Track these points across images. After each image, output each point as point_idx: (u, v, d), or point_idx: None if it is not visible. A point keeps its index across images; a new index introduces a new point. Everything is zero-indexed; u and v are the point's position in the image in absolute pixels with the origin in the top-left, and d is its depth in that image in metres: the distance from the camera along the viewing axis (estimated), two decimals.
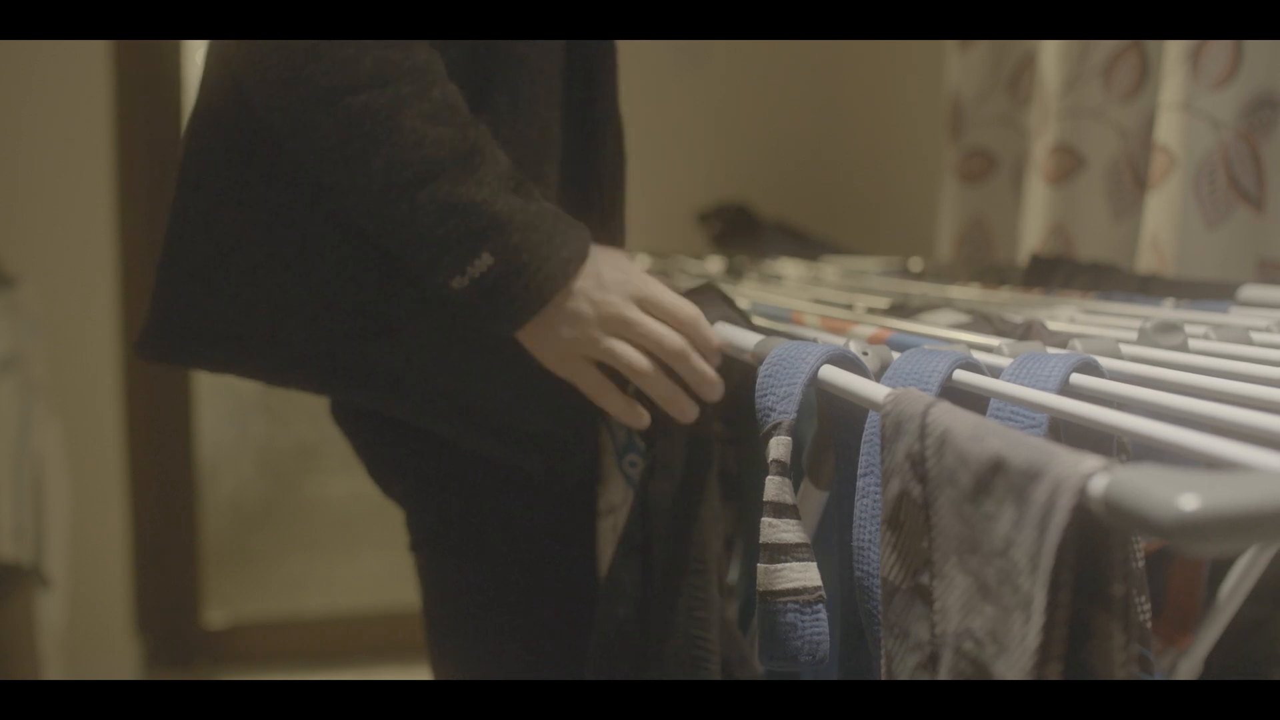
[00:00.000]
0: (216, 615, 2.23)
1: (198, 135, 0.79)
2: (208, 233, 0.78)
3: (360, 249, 0.76)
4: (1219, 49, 0.99)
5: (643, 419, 0.75)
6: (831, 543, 0.69)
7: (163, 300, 0.79)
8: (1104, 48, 1.22)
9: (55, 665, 1.76)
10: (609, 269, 0.73)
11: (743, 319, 0.77)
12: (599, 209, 0.85)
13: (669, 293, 0.73)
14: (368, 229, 0.74)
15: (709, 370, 0.72)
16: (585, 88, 0.83)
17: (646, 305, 0.73)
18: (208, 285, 0.78)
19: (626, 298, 0.72)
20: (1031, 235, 1.33)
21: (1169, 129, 1.05)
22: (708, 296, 0.78)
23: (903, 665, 0.47)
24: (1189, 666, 0.68)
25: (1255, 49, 0.97)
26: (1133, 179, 1.21)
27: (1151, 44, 1.17)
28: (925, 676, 0.46)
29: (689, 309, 0.73)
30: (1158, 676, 0.68)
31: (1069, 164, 1.28)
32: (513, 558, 0.86)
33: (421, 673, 0.93)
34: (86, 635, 1.99)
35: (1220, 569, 0.66)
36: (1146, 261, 1.09)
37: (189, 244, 0.79)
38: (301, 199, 0.76)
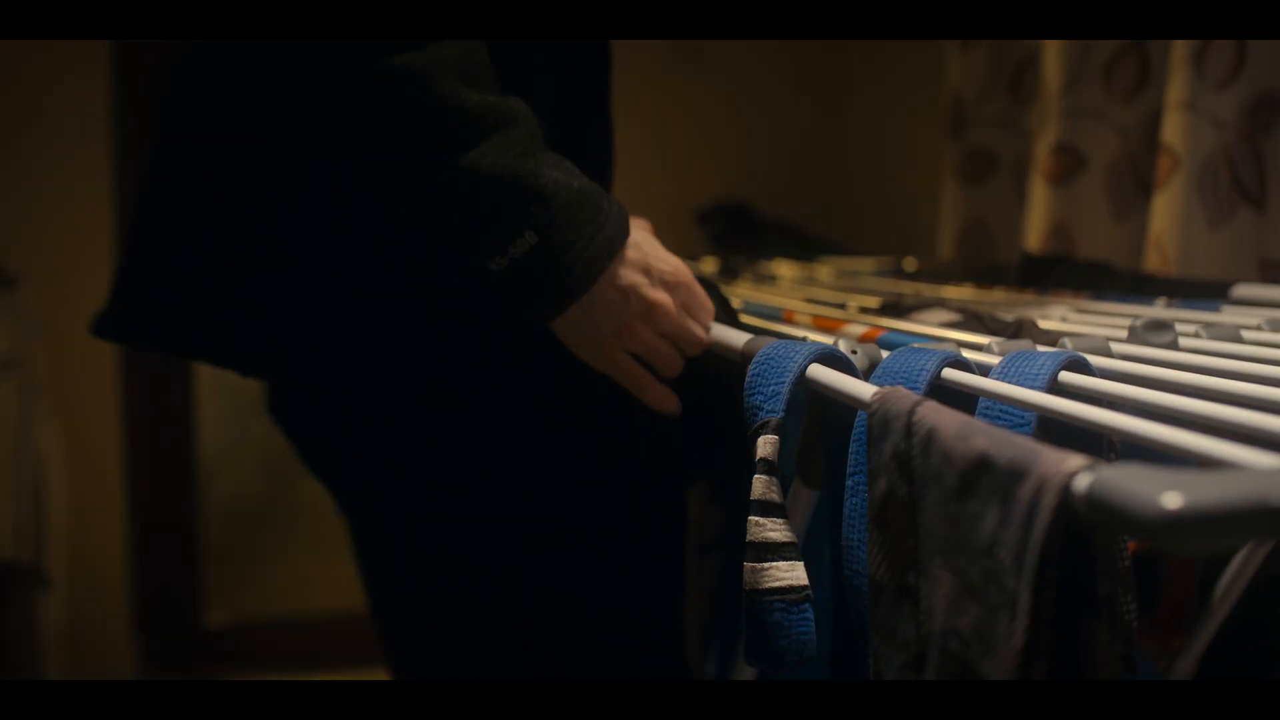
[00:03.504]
0: (216, 615, 2.23)
1: (171, 116, 0.77)
2: (179, 214, 0.76)
3: (341, 235, 0.74)
4: (1222, 49, 0.99)
5: (677, 406, 0.74)
6: (823, 542, 0.68)
7: (128, 278, 0.78)
8: (1104, 48, 1.22)
9: (55, 665, 1.76)
10: (646, 249, 0.71)
11: (730, 317, 0.77)
12: None
13: (699, 286, 0.73)
14: (401, 208, 0.69)
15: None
16: (577, 89, 0.82)
17: (688, 292, 0.72)
18: (176, 266, 0.76)
19: (661, 286, 0.70)
20: (1033, 235, 1.33)
21: (1173, 129, 1.04)
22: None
23: (889, 665, 0.47)
24: (1183, 667, 0.67)
25: (1258, 49, 0.97)
26: (1133, 179, 1.20)
27: (1152, 44, 1.17)
28: (911, 676, 0.46)
29: (710, 308, 0.73)
30: (1155, 677, 0.68)
31: (1070, 164, 1.27)
32: (471, 563, 0.84)
33: None
34: (86, 635, 1.99)
35: (1214, 568, 0.66)
36: (1151, 262, 1.08)
37: (159, 224, 0.77)
38: (280, 183, 0.74)
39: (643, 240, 0.71)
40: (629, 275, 0.69)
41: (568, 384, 0.76)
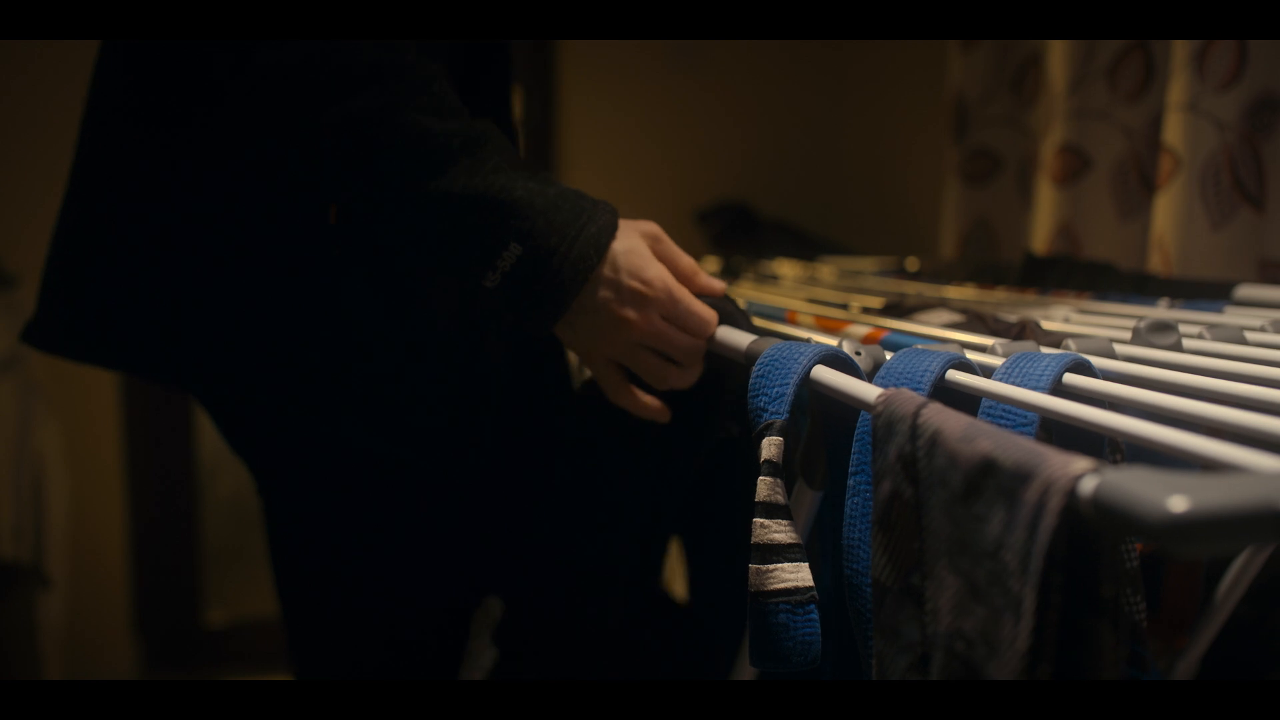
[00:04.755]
0: (216, 615, 2.23)
1: (93, 127, 0.77)
2: (99, 225, 0.76)
3: (253, 252, 0.74)
4: (1224, 50, 0.99)
5: (660, 414, 0.75)
6: (826, 543, 0.68)
7: (50, 284, 0.78)
8: (1109, 48, 1.22)
9: (55, 665, 1.76)
10: (623, 264, 0.70)
11: (743, 318, 0.77)
12: None
13: (690, 298, 0.72)
14: (388, 243, 0.71)
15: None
16: (476, 91, 0.81)
17: (669, 306, 0.71)
18: (91, 274, 0.76)
19: (631, 304, 0.70)
20: (1039, 236, 1.33)
21: (1174, 130, 1.04)
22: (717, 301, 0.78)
23: (894, 666, 0.47)
24: (1185, 667, 0.67)
25: (1259, 50, 0.97)
26: (1138, 179, 1.20)
27: (1157, 45, 1.17)
28: (916, 677, 0.46)
29: (708, 318, 0.72)
30: (1157, 677, 0.68)
31: (1075, 165, 1.27)
32: (384, 550, 0.86)
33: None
34: (86, 635, 1.99)
35: (1217, 569, 0.66)
36: (1153, 262, 1.08)
37: (79, 231, 0.77)
38: (186, 194, 0.75)
39: (625, 252, 0.70)
40: (600, 292, 0.70)
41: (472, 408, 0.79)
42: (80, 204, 0.78)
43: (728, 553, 0.82)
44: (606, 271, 0.70)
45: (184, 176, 0.75)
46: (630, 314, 0.70)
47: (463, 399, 0.81)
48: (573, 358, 0.93)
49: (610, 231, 0.70)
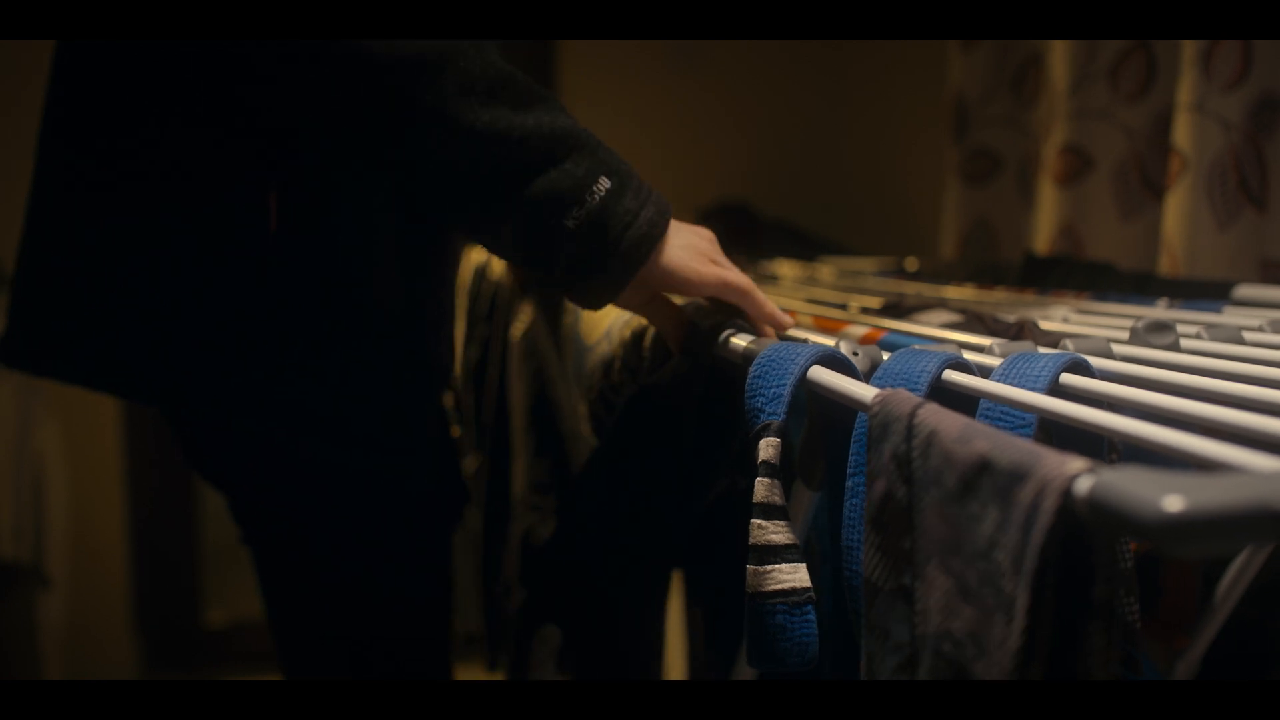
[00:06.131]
0: (216, 615, 2.23)
1: (53, 136, 0.77)
2: (63, 241, 0.76)
3: (208, 263, 0.73)
4: (1229, 50, 0.99)
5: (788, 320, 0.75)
6: (825, 544, 0.68)
7: (19, 299, 0.77)
8: (1111, 49, 1.22)
9: (55, 665, 1.76)
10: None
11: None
12: None
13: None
14: (473, 205, 0.68)
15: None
16: None
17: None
18: (60, 290, 0.75)
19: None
20: (1041, 236, 1.33)
21: (1182, 130, 1.04)
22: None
23: (883, 666, 0.47)
24: (1185, 667, 0.67)
25: (1264, 50, 0.97)
26: (1140, 179, 1.20)
27: (1159, 45, 1.17)
28: (905, 678, 0.46)
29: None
30: (1153, 677, 0.68)
31: (1077, 165, 1.27)
32: (347, 557, 0.86)
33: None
34: (86, 635, 1.99)
35: (1217, 568, 0.66)
36: (1163, 263, 1.08)
37: (48, 252, 0.76)
38: (150, 205, 0.73)
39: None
40: (688, 235, 0.72)
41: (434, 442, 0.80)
42: (40, 217, 0.77)
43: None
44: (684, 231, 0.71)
45: (141, 187, 0.73)
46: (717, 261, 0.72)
47: (410, 405, 0.81)
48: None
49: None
